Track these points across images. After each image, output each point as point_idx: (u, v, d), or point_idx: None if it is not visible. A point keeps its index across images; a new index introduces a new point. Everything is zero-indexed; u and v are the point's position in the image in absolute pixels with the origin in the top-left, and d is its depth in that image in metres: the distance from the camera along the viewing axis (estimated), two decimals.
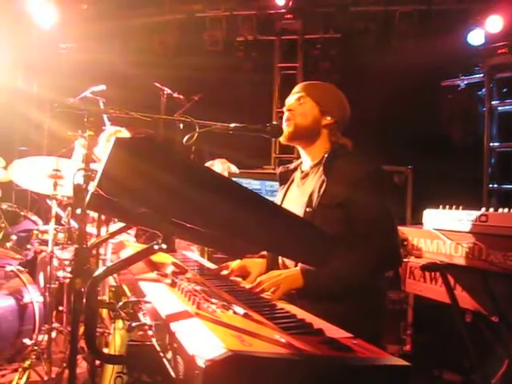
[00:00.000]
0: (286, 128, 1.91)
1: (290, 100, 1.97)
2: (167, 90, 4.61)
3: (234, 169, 3.20)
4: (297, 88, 1.98)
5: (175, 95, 4.67)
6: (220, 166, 3.15)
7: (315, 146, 1.94)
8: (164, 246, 1.18)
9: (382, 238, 1.70)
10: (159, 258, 1.90)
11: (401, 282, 2.44)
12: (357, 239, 1.71)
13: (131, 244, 2.71)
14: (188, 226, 1.01)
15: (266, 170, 4.82)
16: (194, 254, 2.49)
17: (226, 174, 2.83)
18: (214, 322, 1.02)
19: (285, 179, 2.11)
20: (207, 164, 3.30)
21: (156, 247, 1.19)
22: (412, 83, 5.00)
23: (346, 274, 1.65)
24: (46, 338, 3.08)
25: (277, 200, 2.12)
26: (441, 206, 2.07)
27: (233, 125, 1.77)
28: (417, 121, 4.98)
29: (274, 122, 1.82)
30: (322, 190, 1.79)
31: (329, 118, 1.91)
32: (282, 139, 1.93)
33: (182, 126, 1.72)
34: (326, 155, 1.85)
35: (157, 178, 0.81)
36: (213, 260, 2.46)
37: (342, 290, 1.64)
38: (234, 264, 1.87)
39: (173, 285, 1.38)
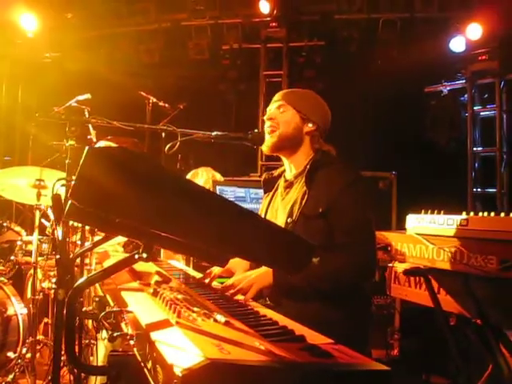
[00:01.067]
0: (270, 138, 1.91)
1: (271, 108, 1.97)
2: (153, 99, 4.60)
3: (219, 177, 3.21)
4: (277, 96, 1.99)
5: (161, 104, 4.66)
6: (205, 174, 3.16)
7: (298, 154, 1.95)
8: (144, 256, 1.18)
9: (357, 250, 1.72)
10: (143, 267, 1.90)
11: (386, 287, 2.45)
12: (334, 249, 1.73)
13: (116, 254, 2.69)
14: (166, 236, 1.01)
15: (252, 177, 4.84)
16: (178, 262, 2.49)
17: (210, 182, 2.83)
18: (193, 331, 1.01)
19: (269, 186, 2.12)
20: (192, 172, 3.30)
21: (136, 256, 1.19)
22: (396, 90, 5.07)
23: (316, 279, 1.67)
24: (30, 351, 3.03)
25: (261, 209, 2.12)
26: (423, 211, 2.09)
27: (214, 133, 1.78)
28: (401, 127, 5.04)
29: (256, 130, 1.83)
30: (304, 200, 1.80)
31: (310, 125, 1.92)
32: (265, 150, 1.93)
33: (163, 134, 1.72)
34: (309, 166, 1.86)
35: (132, 187, 0.81)
36: (198, 268, 2.45)
37: (313, 293, 1.66)
38: (218, 269, 1.88)
39: (154, 294, 1.38)
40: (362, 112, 5.32)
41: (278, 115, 1.92)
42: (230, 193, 2.80)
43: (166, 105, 4.72)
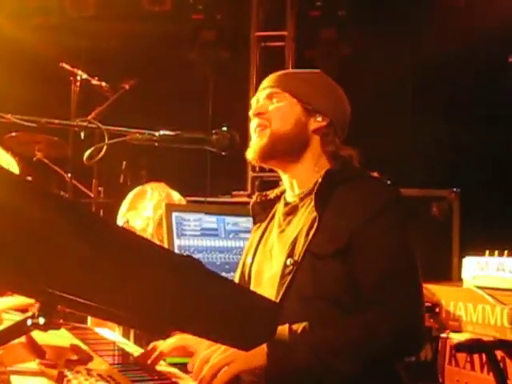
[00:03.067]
0: (258, 140, 1.95)
1: (259, 99, 2.02)
2: (82, 74, 4.67)
3: (178, 198, 3.24)
4: (266, 81, 2.03)
5: (95, 82, 4.72)
6: (156, 194, 3.19)
7: (303, 164, 1.98)
8: (41, 321, 1.22)
9: (398, 307, 1.75)
10: (54, 338, 1.93)
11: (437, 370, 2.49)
12: (361, 306, 1.76)
13: (15, 318, 2.73)
14: (69, 297, 1.07)
15: (236, 197, 4.87)
16: (112, 332, 2.52)
17: (163, 206, 2.86)
18: None
19: (262, 214, 2.15)
20: (136, 191, 3.34)
21: (29, 322, 1.23)
22: (464, 59, 5.13)
23: (331, 355, 1.69)
24: None
25: (248, 247, 2.15)
26: (487, 252, 2.15)
27: (160, 133, 1.83)
28: (471, 117, 5.07)
29: (224, 128, 1.88)
30: (313, 231, 1.84)
31: (319, 119, 1.96)
32: (251, 157, 1.97)
33: (83, 135, 1.79)
34: (320, 180, 1.90)
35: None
36: (142, 340, 2.48)
37: (328, 378, 1.69)
38: (167, 343, 1.90)
39: (59, 380, 1.42)
40: (409, 94, 5.38)
41: (270, 108, 1.97)
42: (194, 223, 2.83)
43: (103, 83, 4.77)
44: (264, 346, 1.67)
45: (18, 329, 1.28)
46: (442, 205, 4.27)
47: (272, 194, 2.14)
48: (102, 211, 4.75)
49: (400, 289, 1.79)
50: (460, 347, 2.03)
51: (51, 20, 5.90)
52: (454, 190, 4.35)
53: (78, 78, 4.66)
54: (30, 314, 1.27)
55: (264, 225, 2.12)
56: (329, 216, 1.84)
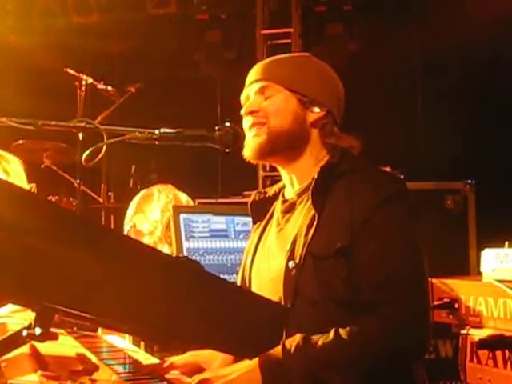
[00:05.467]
0: (255, 138, 1.89)
1: (249, 95, 1.95)
2: (87, 79, 4.65)
3: (186, 199, 3.20)
4: (254, 73, 1.94)
5: (100, 86, 4.71)
6: (163, 197, 3.15)
7: (302, 158, 1.92)
8: (37, 332, 1.17)
9: (393, 312, 1.67)
10: (59, 347, 1.89)
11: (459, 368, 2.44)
12: (356, 311, 1.69)
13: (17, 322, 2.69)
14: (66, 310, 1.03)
15: (246, 197, 4.83)
16: (122, 339, 2.48)
17: (170, 208, 2.83)
18: None
19: (261, 212, 2.10)
20: (142, 194, 3.32)
21: (25, 333, 1.18)
22: (475, 45, 5.06)
23: (329, 372, 1.63)
24: None
25: (247, 248, 2.11)
26: (506, 243, 2.08)
27: (160, 131, 1.79)
28: (484, 106, 5.02)
29: (227, 123, 1.83)
30: (312, 231, 1.79)
31: (317, 110, 1.89)
32: (249, 156, 1.91)
33: (81, 136, 1.74)
34: (316, 175, 1.84)
35: None
36: (153, 347, 2.44)
37: None
38: (179, 358, 1.87)
39: None
40: (419, 86, 5.33)
41: (263, 104, 1.89)
42: (202, 224, 2.79)
43: (109, 87, 4.76)
44: (258, 372, 1.63)
45: (14, 340, 1.23)
46: (457, 197, 4.21)
47: (271, 191, 2.08)
48: (112, 216, 4.73)
49: (404, 284, 1.70)
50: (482, 344, 1.96)
51: (54, 22, 5.89)
52: (470, 181, 4.30)
53: (84, 82, 4.64)
54: (26, 325, 1.23)
55: (263, 224, 2.05)
56: (328, 213, 1.78)
